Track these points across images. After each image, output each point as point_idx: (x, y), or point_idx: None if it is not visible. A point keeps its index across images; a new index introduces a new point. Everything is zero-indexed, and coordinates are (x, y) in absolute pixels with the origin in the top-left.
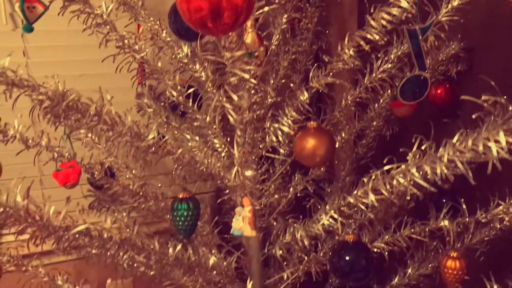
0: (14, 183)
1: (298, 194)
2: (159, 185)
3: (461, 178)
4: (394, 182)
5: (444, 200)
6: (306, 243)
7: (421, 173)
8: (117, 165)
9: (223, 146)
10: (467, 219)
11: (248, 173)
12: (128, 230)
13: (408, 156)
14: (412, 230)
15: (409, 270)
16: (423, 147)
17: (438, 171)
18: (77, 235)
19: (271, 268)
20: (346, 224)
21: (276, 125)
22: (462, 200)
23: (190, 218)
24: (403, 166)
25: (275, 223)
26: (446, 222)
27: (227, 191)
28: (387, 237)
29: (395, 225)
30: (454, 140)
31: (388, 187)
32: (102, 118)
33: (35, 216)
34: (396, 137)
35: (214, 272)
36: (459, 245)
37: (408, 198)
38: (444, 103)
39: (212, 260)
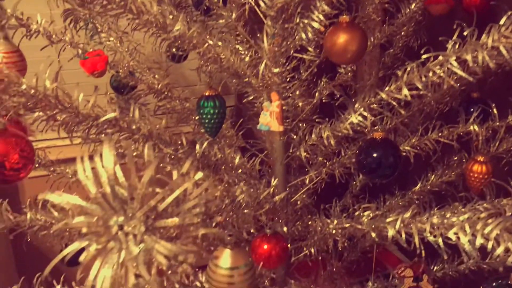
0: (42, 68)
1: (324, 100)
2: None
3: (492, 85)
4: (430, 74)
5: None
6: (332, 142)
7: (460, 63)
8: (140, 69)
9: (248, 45)
10: (498, 123)
11: (276, 70)
12: (156, 125)
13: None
14: (440, 134)
15: (432, 177)
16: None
17: (480, 59)
18: (105, 125)
19: (291, 174)
20: (375, 122)
21: (306, 21)
22: (494, 105)
23: (216, 116)
24: (440, 57)
25: (300, 125)
26: (475, 126)
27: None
28: (413, 140)
29: (423, 129)
30: (501, 21)
31: (423, 79)
32: (128, 6)
33: (64, 102)
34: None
35: (240, 170)
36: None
37: (444, 90)
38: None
39: (237, 159)
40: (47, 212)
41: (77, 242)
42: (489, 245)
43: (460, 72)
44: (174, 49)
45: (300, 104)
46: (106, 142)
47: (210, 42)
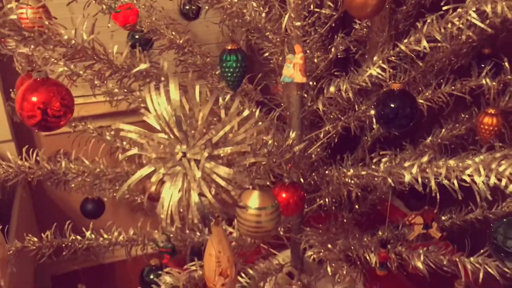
0: (79, 20)
1: (339, 55)
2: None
3: (503, 41)
4: (449, 25)
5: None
6: (350, 95)
7: (479, 14)
8: (159, 26)
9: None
10: (509, 77)
11: (298, 23)
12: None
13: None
14: (453, 87)
15: (443, 131)
16: None
17: (499, 9)
18: (137, 75)
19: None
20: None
21: None
22: (506, 59)
23: (238, 70)
24: (459, 9)
25: (317, 80)
26: (487, 80)
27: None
28: (427, 93)
29: (436, 83)
30: None
31: (443, 31)
32: None
33: (99, 54)
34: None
35: (260, 123)
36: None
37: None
38: None
39: (257, 112)
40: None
41: (147, 167)
42: (503, 183)
43: (479, 24)
44: (187, 6)
45: (316, 60)
46: (172, 78)
47: None
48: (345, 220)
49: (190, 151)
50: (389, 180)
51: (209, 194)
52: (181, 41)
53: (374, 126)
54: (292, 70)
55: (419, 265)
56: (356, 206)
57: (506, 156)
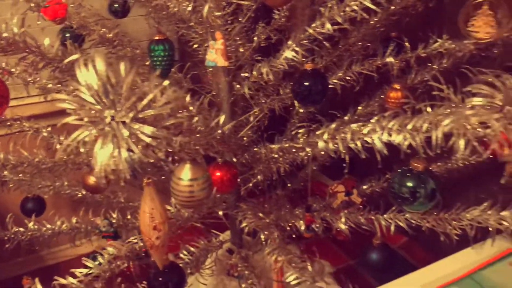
0: (9, 15)
1: (262, 44)
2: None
3: (407, 26)
4: (347, 9)
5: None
6: (271, 77)
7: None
8: (88, 23)
9: None
10: (409, 54)
11: (218, 13)
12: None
13: None
14: (362, 67)
15: (360, 108)
16: None
17: None
18: (69, 65)
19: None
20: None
21: None
22: (406, 39)
23: (166, 58)
24: None
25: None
26: (391, 58)
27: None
28: (340, 74)
29: (347, 64)
30: None
31: (342, 14)
32: None
33: (31, 46)
34: None
35: (196, 118)
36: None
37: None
38: None
39: (188, 97)
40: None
41: (80, 129)
42: (392, 138)
43: (368, 4)
44: (116, 5)
45: (241, 49)
46: (97, 52)
47: None
48: (278, 196)
49: (117, 115)
50: (308, 150)
51: (137, 149)
52: (110, 35)
53: (296, 106)
54: (215, 55)
55: (342, 226)
56: (288, 184)
57: (396, 115)
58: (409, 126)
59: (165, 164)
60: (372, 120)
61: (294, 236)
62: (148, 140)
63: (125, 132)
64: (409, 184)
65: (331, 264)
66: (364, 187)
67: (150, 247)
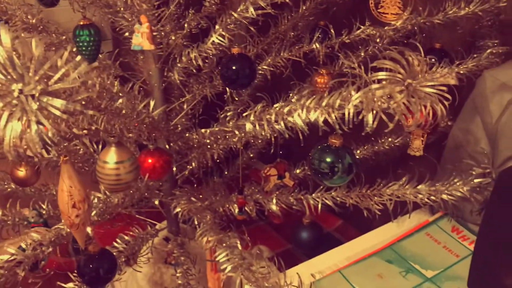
0: None
1: (193, 31)
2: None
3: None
4: None
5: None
6: (200, 63)
7: None
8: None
9: None
10: (334, 41)
11: None
12: None
13: None
14: (290, 53)
15: (295, 93)
16: None
17: None
18: None
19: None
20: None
21: None
22: (331, 26)
23: (92, 44)
24: None
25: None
26: (317, 44)
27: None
28: (269, 60)
29: (276, 51)
30: None
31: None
32: None
33: None
34: None
35: (120, 100)
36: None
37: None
38: None
39: (116, 87)
40: None
41: None
42: (310, 115)
43: None
44: None
45: (173, 37)
46: (1, 26)
47: None
48: (214, 184)
49: (26, 88)
50: (237, 133)
51: (47, 123)
52: (34, 21)
53: (227, 93)
54: (141, 39)
55: (273, 207)
56: (226, 172)
57: (313, 93)
58: (324, 103)
59: (82, 141)
60: (292, 100)
61: (226, 219)
62: (58, 113)
63: (34, 106)
64: (328, 159)
65: (270, 249)
66: (297, 171)
67: (70, 226)
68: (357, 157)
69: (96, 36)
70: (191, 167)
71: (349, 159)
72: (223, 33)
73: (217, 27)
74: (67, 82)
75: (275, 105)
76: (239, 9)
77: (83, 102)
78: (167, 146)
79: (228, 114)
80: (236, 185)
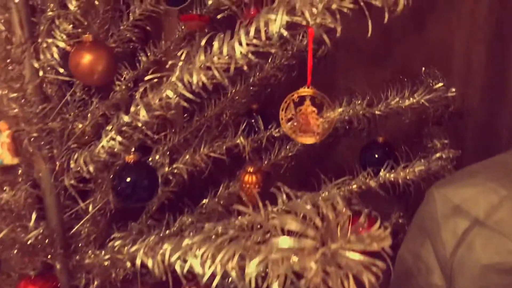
0: None
1: (99, 121)
2: None
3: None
4: (164, 95)
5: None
6: (91, 169)
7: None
8: None
9: None
10: (262, 134)
11: (12, 95)
12: None
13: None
14: (211, 149)
15: (220, 189)
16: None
17: (195, 80)
18: None
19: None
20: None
21: (50, 40)
22: (259, 116)
23: None
24: (171, 78)
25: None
26: (241, 139)
27: None
28: (187, 157)
29: (196, 145)
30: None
31: (157, 101)
32: None
33: None
34: None
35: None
36: (266, 162)
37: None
38: None
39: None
40: None
41: None
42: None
43: (184, 92)
44: None
45: (80, 125)
46: None
47: None
48: None
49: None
50: (128, 264)
51: None
52: None
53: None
54: (1, 150)
55: None
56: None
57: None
58: (219, 258)
59: None
60: (183, 244)
61: None
62: None
63: None
64: None
65: None
66: None
67: None
68: None
69: None
70: None
71: None
72: (115, 136)
73: (109, 127)
74: None
75: (165, 245)
76: (131, 110)
77: None
78: (58, 266)
79: (117, 243)
80: None
